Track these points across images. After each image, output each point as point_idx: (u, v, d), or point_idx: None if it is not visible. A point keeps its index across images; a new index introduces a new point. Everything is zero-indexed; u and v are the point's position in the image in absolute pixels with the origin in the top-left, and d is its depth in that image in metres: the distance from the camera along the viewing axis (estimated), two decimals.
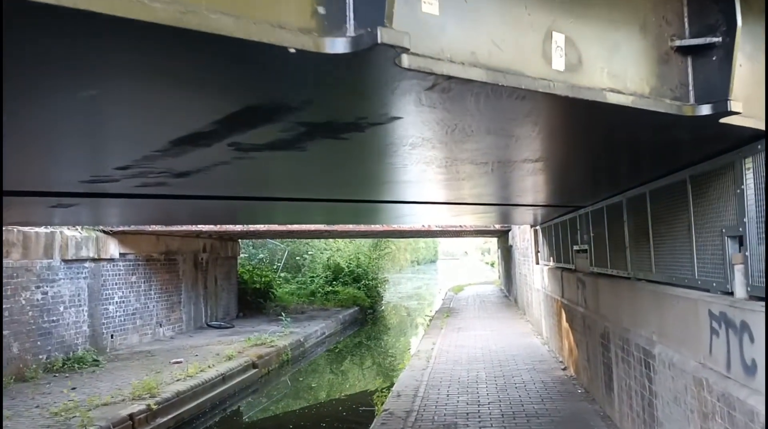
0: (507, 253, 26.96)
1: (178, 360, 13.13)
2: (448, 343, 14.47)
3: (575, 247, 10.16)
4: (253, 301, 22.38)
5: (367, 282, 28.24)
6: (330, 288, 26.26)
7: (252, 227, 16.71)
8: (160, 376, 11.42)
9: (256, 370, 13.51)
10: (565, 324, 10.87)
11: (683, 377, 4.77)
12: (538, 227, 14.95)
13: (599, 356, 7.98)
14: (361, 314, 25.88)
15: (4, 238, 11.08)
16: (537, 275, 15.07)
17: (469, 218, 12.98)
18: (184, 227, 15.32)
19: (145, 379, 10.75)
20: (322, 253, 30.11)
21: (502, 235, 27.42)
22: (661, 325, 5.42)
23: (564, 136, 3.69)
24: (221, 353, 13.79)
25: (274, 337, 16.38)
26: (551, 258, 13.11)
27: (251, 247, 27.81)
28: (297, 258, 28.72)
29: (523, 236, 18.47)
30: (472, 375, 10.58)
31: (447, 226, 21.73)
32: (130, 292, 15.35)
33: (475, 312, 21.51)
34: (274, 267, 27.53)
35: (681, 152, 4.50)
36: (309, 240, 30.06)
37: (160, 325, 16.65)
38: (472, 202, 8.19)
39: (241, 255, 24.89)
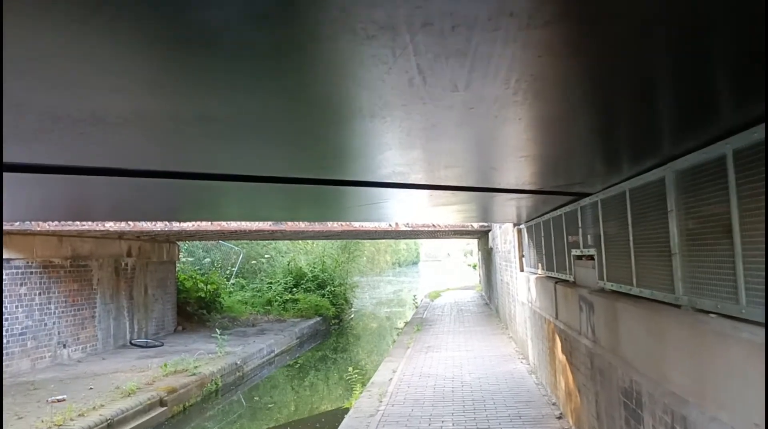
0: (487, 257, 24.25)
1: (60, 397, 10.14)
2: (412, 369, 11.64)
3: (575, 253, 7.40)
4: (195, 313, 19.37)
5: (332, 288, 25.34)
6: (289, 296, 23.32)
7: (177, 226, 13.76)
8: (16, 426, 8.46)
9: (164, 408, 10.55)
10: (560, 355, 8.11)
11: None
12: (522, 226, 12.20)
13: (619, 421, 5.20)
14: (324, 325, 22.98)
15: None
16: (521, 285, 12.32)
17: (448, 210, 10.11)
18: (84, 226, 12.33)
19: None
20: (283, 256, 27.15)
21: (482, 237, 24.73)
22: None
23: None
24: (124, 385, 10.83)
25: (202, 360, 13.44)
26: (539, 265, 10.37)
27: (201, 250, 24.78)
28: (253, 262, 25.70)
29: (504, 237, 15.74)
30: (435, 427, 7.75)
31: (419, 225, 19.02)
32: (17, 306, 12.32)
33: (451, 324, 18.72)
34: (228, 272, 24.51)
35: None
36: (270, 241, 27.16)
37: (64, 346, 13.61)
38: (448, 186, 5.42)
39: (186, 259, 21.89)
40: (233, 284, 23.99)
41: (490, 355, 12.99)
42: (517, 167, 4.44)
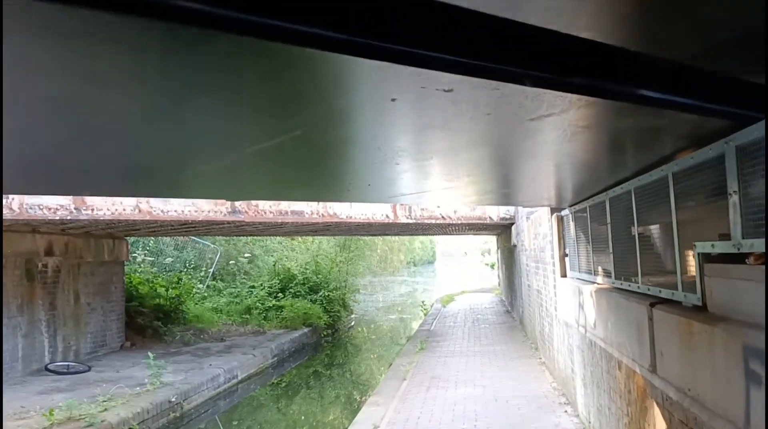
0: (509, 256, 20.39)
1: None
2: (403, 422, 7.86)
3: (706, 249, 3.57)
4: (149, 325, 15.76)
5: (327, 293, 21.61)
6: (274, 302, 19.62)
7: (87, 214, 10.12)
8: None
9: None
10: None
11: None
12: (566, 212, 8.37)
13: None
14: (314, 337, 19.26)
15: None
16: (565, 297, 8.49)
17: (463, 177, 6.18)
18: None
19: None
20: (271, 255, 23.50)
21: (503, 232, 20.87)
22: None
23: None
24: None
25: (123, 396, 9.81)
26: (600, 269, 6.54)
27: (172, 248, 21.20)
28: (231, 262, 22.03)
29: (534, 231, 11.90)
30: None
31: (425, 217, 15.29)
32: None
33: (464, 341, 14.90)
34: (202, 274, 20.89)
35: None
36: (257, 239, 23.60)
37: None
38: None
39: (147, 258, 18.29)
40: (208, 288, 20.38)
41: (517, 395, 9.16)
42: None
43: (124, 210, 10.44)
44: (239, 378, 13.21)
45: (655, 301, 4.50)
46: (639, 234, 5.02)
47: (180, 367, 12.45)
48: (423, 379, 10.53)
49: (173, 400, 10.34)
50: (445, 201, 8.64)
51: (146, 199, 10.61)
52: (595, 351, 6.58)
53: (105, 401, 9.44)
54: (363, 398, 11.27)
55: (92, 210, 10.14)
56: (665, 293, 4.40)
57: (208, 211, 11.33)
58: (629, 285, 5.38)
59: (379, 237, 35.75)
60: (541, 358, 11.79)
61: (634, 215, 5.08)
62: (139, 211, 10.60)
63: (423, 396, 9.33)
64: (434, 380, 10.42)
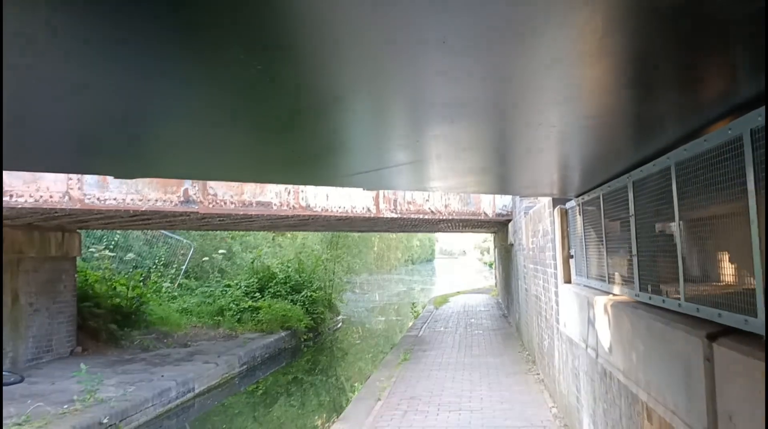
0: (506, 255, 18.85)
1: None
2: None
3: None
4: (104, 328, 14.19)
5: (310, 293, 20.05)
6: (250, 303, 18.05)
7: (17, 197, 8.54)
8: None
9: None
10: None
11: None
12: (573, 203, 6.81)
13: None
14: (293, 342, 17.69)
15: None
16: (568, 308, 6.92)
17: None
18: None
19: None
20: (250, 251, 21.93)
21: (500, 230, 19.32)
22: None
23: None
24: None
25: (43, 418, 8.27)
26: (616, 276, 4.99)
27: (142, 243, 19.63)
28: (205, 259, 20.41)
29: (533, 227, 10.34)
30: None
31: (411, 211, 13.78)
32: None
33: (453, 350, 13.34)
34: (173, 271, 19.30)
35: None
36: (237, 233, 22.06)
37: None
38: None
39: (107, 253, 16.71)
40: (180, 286, 18.81)
41: (510, 425, 7.60)
42: None
43: (50, 197, 8.87)
44: (196, 391, 11.65)
45: (715, 332, 2.93)
46: (682, 228, 3.47)
47: (127, 379, 10.90)
48: (400, 400, 8.97)
49: (105, 421, 8.77)
50: (415, 183, 6.76)
51: (78, 185, 9.07)
52: (610, 384, 5.01)
53: (17, 424, 7.89)
54: (327, 424, 9.73)
55: (10, 196, 8.58)
56: (730, 319, 2.84)
57: (155, 200, 9.77)
58: (663, 300, 3.82)
59: (376, 234, 34.24)
60: (539, 374, 10.24)
61: (674, 202, 3.53)
62: (70, 198, 9.03)
63: (397, 424, 7.77)
64: (413, 402, 8.85)
